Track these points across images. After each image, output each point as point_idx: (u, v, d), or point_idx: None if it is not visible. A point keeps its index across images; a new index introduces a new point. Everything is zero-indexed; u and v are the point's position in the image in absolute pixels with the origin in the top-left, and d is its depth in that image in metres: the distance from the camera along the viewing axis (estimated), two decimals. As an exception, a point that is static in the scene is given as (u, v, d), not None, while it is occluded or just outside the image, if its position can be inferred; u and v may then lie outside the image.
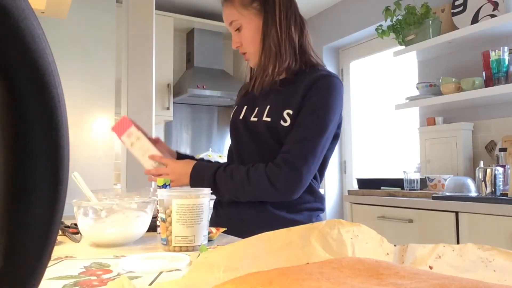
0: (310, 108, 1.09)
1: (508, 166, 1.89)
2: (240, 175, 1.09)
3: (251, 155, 1.16)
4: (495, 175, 1.82)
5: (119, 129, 1.19)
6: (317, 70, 1.16)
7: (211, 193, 0.94)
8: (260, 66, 1.18)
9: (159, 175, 1.15)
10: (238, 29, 1.18)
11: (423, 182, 2.22)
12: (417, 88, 2.48)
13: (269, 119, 1.12)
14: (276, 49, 1.15)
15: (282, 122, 1.10)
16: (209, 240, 0.85)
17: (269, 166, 1.08)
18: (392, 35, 2.51)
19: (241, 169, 1.11)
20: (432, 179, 2.16)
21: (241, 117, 1.21)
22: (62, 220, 0.96)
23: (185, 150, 3.68)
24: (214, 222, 1.20)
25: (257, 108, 1.18)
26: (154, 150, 1.17)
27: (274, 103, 1.15)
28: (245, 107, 1.22)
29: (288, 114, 1.10)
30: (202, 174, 1.14)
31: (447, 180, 2.02)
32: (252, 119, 1.18)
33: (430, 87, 2.41)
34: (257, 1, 1.16)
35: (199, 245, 0.78)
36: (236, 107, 1.27)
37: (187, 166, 1.16)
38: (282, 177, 1.05)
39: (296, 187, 1.07)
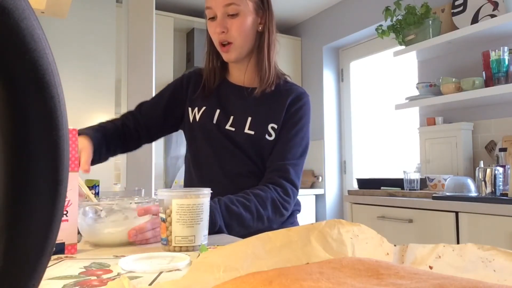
0: (296, 125, 1.13)
1: (508, 166, 1.89)
2: (252, 208, 1.00)
3: (234, 162, 1.13)
4: (495, 175, 1.82)
5: None
6: (288, 82, 1.20)
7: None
8: (255, 69, 1.16)
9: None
10: (233, 15, 1.10)
11: (423, 182, 2.22)
12: (417, 88, 2.48)
13: (252, 132, 1.12)
14: (268, 53, 1.14)
15: (267, 136, 1.12)
16: None
17: (279, 193, 1.06)
18: (392, 35, 2.50)
19: (250, 201, 1.00)
20: (432, 179, 2.16)
21: (214, 121, 1.15)
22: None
23: (185, 149, 3.65)
24: None
25: (232, 117, 1.14)
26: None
27: (257, 116, 1.13)
28: (218, 111, 1.16)
29: (272, 128, 1.13)
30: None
31: (447, 180, 2.02)
32: (228, 127, 1.14)
33: (430, 87, 2.41)
34: None
35: (199, 245, 0.78)
36: (204, 108, 1.17)
37: None
38: (291, 201, 1.10)
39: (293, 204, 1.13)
